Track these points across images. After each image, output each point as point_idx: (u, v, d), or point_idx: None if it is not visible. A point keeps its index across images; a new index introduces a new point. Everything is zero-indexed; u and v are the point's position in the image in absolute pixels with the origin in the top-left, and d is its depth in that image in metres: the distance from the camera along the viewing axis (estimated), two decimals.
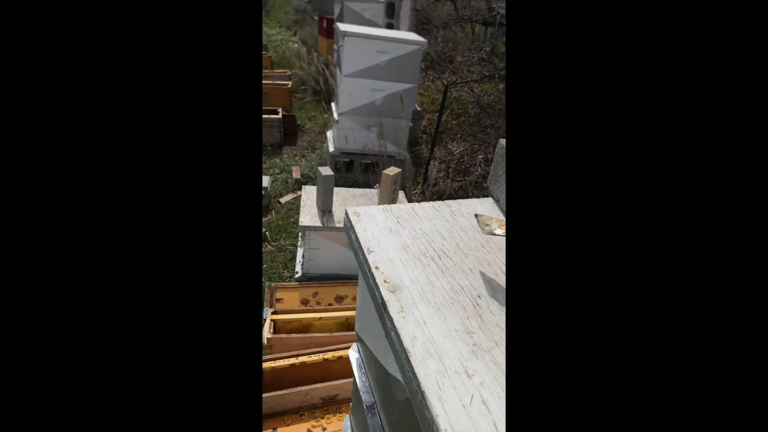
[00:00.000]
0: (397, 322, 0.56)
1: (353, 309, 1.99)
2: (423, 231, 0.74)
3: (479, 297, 0.63)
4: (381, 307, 0.60)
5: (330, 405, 1.68)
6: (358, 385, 0.90)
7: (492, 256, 0.71)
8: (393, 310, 0.58)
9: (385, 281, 0.62)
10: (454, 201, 0.85)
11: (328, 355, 1.73)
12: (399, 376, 0.55)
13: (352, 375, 1.52)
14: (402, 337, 0.54)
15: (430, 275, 0.65)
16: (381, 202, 2.49)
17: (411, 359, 0.52)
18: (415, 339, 0.54)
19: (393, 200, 2.48)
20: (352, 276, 2.43)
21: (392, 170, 2.41)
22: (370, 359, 0.87)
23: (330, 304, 2.17)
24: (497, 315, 0.60)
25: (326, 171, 2.44)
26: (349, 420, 1.08)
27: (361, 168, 3.47)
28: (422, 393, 0.49)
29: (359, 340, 0.92)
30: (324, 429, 1.61)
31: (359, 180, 3.44)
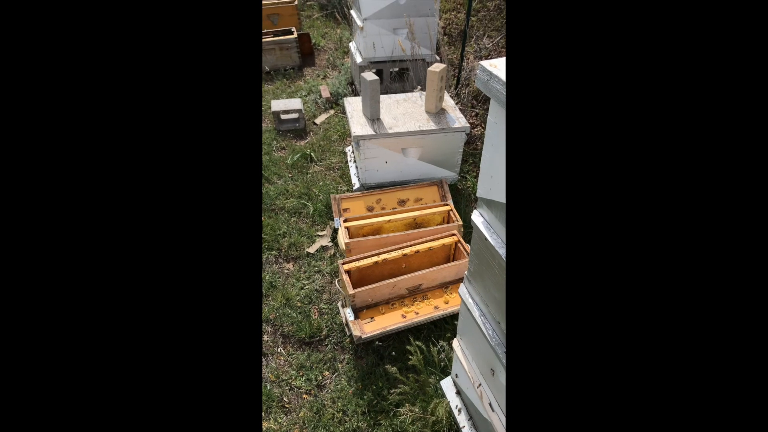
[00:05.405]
0: None
1: (418, 209, 2.23)
2: None
3: None
4: None
5: (416, 294, 1.95)
6: (492, 243, 0.97)
7: None
8: None
9: None
10: None
11: (407, 251, 1.98)
12: None
13: (430, 266, 1.75)
14: None
15: None
16: (428, 100, 2.43)
17: None
18: None
19: (440, 98, 2.40)
20: (408, 181, 2.54)
21: (437, 66, 2.32)
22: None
23: (394, 208, 2.35)
24: None
25: (370, 76, 2.30)
26: (464, 287, 1.22)
27: (391, 76, 3.34)
28: None
29: (485, 202, 1.00)
30: (417, 313, 1.88)
31: (391, 89, 3.33)
